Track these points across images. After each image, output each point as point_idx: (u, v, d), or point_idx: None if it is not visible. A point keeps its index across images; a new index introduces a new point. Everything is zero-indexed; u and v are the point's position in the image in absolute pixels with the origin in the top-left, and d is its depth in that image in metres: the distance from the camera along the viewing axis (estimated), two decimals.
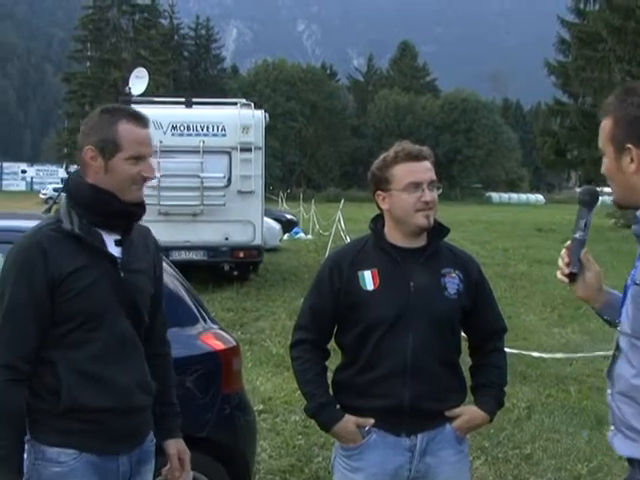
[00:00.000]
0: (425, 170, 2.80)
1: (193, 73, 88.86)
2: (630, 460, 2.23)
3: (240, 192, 13.42)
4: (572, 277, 2.40)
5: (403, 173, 2.78)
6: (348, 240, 19.47)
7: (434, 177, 2.82)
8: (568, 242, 2.42)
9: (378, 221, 2.94)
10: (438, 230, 2.88)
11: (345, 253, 2.95)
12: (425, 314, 2.78)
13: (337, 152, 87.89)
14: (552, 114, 42.91)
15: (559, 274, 2.43)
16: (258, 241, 13.78)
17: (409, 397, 2.77)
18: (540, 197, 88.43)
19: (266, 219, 16.60)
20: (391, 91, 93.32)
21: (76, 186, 2.55)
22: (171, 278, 3.81)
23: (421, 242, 2.86)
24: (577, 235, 2.41)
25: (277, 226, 21.37)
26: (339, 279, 2.85)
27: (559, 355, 8.56)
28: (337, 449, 2.93)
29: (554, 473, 5.41)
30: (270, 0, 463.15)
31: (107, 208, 2.51)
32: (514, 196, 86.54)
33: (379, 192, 2.86)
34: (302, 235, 27.06)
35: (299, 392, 8.00)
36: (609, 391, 2.30)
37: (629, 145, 2.16)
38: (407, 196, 2.77)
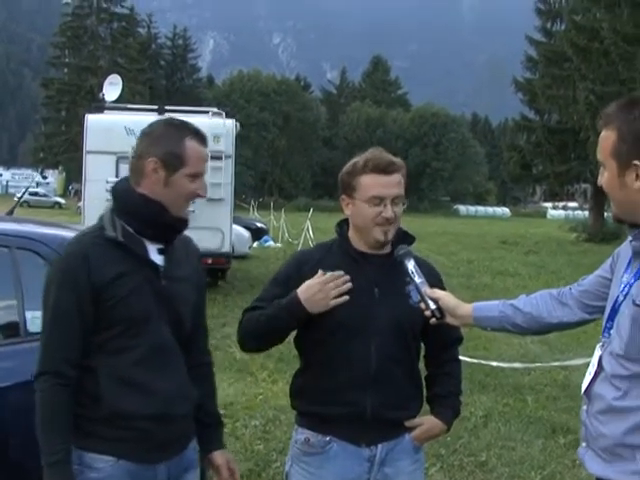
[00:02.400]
0: (392, 185, 2.74)
1: (169, 82, 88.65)
2: (599, 478, 2.25)
3: (209, 199, 13.46)
4: (438, 314, 2.65)
5: (368, 185, 2.72)
6: None
7: (400, 193, 2.76)
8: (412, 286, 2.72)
9: (344, 225, 2.90)
10: (403, 238, 2.84)
11: (309, 256, 2.90)
12: (389, 321, 2.74)
13: (309, 162, 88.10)
14: (519, 130, 43.62)
15: (432, 321, 2.66)
16: (226, 248, 13.88)
17: (372, 405, 2.73)
18: (506, 210, 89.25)
19: (236, 227, 16.64)
20: (363, 104, 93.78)
21: (124, 194, 2.52)
22: None
23: (386, 249, 2.82)
24: (419, 281, 2.69)
25: (247, 234, 21.41)
26: (298, 281, 2.76)
27: (517, 365, 8.71)
28: (294, 457, 2.87)
29: None
30: (247, 12, 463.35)
31: (155, 219, 2.48)
32: (481, 209, 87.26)
33: (344, 197, 2.83)
34: (272, 243, 27.12)
35: (260, 397, 8.01)
36: (584, 408, 2.32)
37: (636, 162, 2.12)
38: (368, 209, 2.72)
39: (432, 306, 2.64)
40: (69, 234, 3.79)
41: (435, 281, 2.84)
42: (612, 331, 2.24)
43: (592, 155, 33.81)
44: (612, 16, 31.19)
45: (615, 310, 2.24)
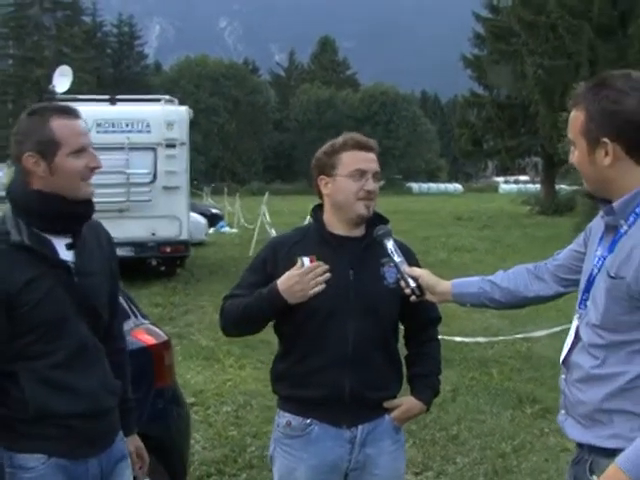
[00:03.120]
0: (372, 160, 2.84)
1: (116, 70, 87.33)
2: (579, 444, 2.34)
3: (165, 188, 13.45)
4: (417, 292, 2.71)
5: (350, 160, 2.81)
6: (273, 233, 19.59)
7: (378, 169, 2.86)
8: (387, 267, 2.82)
9: (318, 210, 2.96)
10: (377, 220, 2.89)
11: (285, 240, 2.95)
12: (364, 303, 2.79)
13: (260, 146, 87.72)
14: (468, 106, 43.91)
15: (412, 298, 2.73)
16: (185, 236, 13.85)
17: (350, 386, 2.78)
18: (458, 186, 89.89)
19: (192, 214, 16.58)
20: (312, 85, 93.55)
21: (21, 195, 2.47)
22: None
23: (360, 232, 2.89)
24: (398, 259, 2.75)
25: (203, 220, 21.30)
26: (274, 267, 2.83)
27: (481, 339, 8.85)
28: (277, 440, 2.92)
29: (480, 452, 5.63)
30: None
31: (56, 211, 2.43)
32: (433, 186, 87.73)
33: (322, 177, 2.87)
34: (227, 229, 27.04)
35: (229, 384, 8.03)
36: (563, 377, 2.39)
37: (605, 139, 2.18)
38: (351, 182, 2.80)
39: (412, 284, 2.70)
40: None
41: (412, 261, 2.90)
42: (588, 303, 2.30)
43: (542, 129, 34.34)
44: None
45: (590, 283, 2.30)
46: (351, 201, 2.81)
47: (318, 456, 2.82)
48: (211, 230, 24.13)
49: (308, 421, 2.84)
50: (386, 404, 2.90)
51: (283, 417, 2.90)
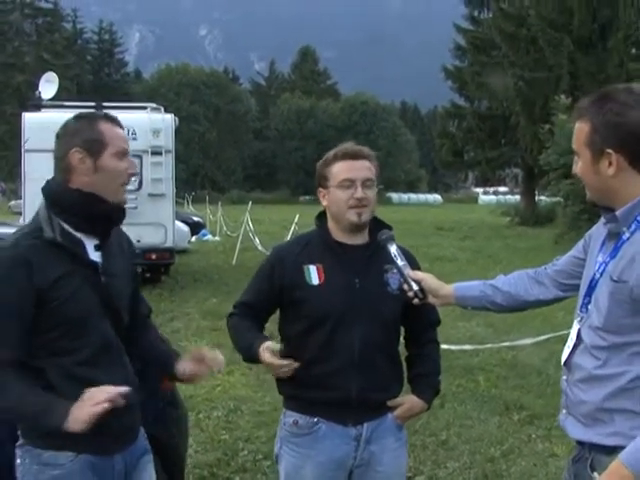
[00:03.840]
0: (361, 168, 2.90)
1: (96, 77, 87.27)
2: (580, 442, 2.43)
3: (151, 195, 13.45)
4: (420, 295, 2.76)
5: (339, 170, 2.89)
6: (257, 241, 19.68)
7: (369, 176, 2.90)
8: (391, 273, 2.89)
9: (322, 218, 3.03)
10: (381, 227, 2.95)
11: (290, 249, 3.02)
12: (370, 310, 2.87)
13: (240, 155, 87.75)
14: (449, 117, 44.16)
15: (415, 301, 2.78)
16: (170, 243, 13.87)
17: (356, 389, 2.86)
18: (438, 197, 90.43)
19: (175, 222, 16.59)
20: (293, 95, 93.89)
21: (59, 192, 2.51)
22: None
23: (364, 239, 2.96)
24: (402, 263, 2.80)
25: (186, 228, 21.27)
26: (281, 276, 2.92)
27: (467, 347, 8.94)
28: (283, 439, 3.00)
29: (469, 457, 5.70)
30: (172, 5, 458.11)
31: (92, 211, 2.49)
32: (413, 196, 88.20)
33: (320, 189, 2.97)
34: (210, 237, 27.01)
35: (219, 389, 8.06)
36: (564, 377, 2.47)
37: (609, 150, 2.26)
38: (341, 192, 2.88)
39: (415, 287, 2.76)
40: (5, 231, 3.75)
41: (414, 265, 2.96)
42: (590, 306, 2.39)
43: (522, 140, 34.67)
44: (538, 3, 31.84)
45: (592, 287, 2.39)
46: (343, 210, 2.89)
47: (325, 453, 2.90)
48: (193, 238, 24.11)
49: (315, 419, 2.91)
50: (389, 403, 2.99)
51: (290, 416, 2.98)
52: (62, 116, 10.79)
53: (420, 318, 3.09)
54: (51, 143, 10.57)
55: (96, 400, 2.30)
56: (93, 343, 2.49)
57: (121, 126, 2.60)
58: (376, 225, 2.98)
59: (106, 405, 2.30)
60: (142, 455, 2.72)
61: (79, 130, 2.51)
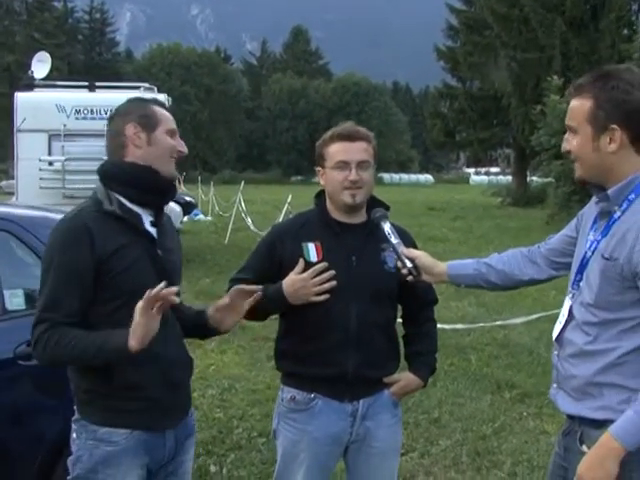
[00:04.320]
0: (356, 150, 2.92)
1: (88, 57, 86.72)
2: (570, 416, 2.49)
3: None
4: (414, 272, 2.79)
5: (335, 152, 2.93)
6: (249, 220, 19.71)
7: (365, 158, 2.93)
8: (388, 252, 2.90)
9: (321, 196, 3.07)
10: (378, 206, 2.99)
11: (289, 227, 3.08)
12: (366, 287, 2.91)
13: (232, 135, 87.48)
14: (441, 97, 44.19)
15: (409, 279, 2.80)
16: None
17: (352, 365, 2.91)
18: (429, 177, 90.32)
19: None
20: (284, 75, 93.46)
21: (115, 167, 2.62)
22: None
23: (361, 218, 3.00)
24: (395, 241, 2.83)
25: (178, 208, 21.21)
26: (280, 253, 2.96)
27: (459, 326, 9.02)
28: (280, 415, 3.04)
29: (461, 434, 5.77)
30: None
31: (146, 183, 2.59)
32: (404, 176, 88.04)
33: (319, 168, 3.02)
34: (202, 217, 26.98)
35: (212, 368, 8.12)
36: (555, 353, 2.53)
37: (614, 126, 2.30)
38: (336, 174, 2.92)
39: (409, 264, 2.79)
40: (43, 214, 3.86)
41: (409, 243, 3.00)
42: (581, 283, 2.44)
43: (514, 121, 34.68)
44: None
45: (583, 265, 2.45)
46: (338, 191, 2.93)
47: (321, 429, 2.95)
48: (185, 218, 24.08)
49: (312, 395, 2.96)
50: (386, 379, 3.04)
51: (287, 392, 3.02)
52: (55, 96, 10.92)
53: (417, 297, 3.13)
54: (43, 123, 10.75)
55: (148, 309, 2.33)
56: None
57: (169, 111, 2.73)
58: (374, 204, 3.01)
59: (157, 310, 2.34)
60: (189, 436, 2.78)
61: (134, 109, 2.65)
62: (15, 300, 3.52)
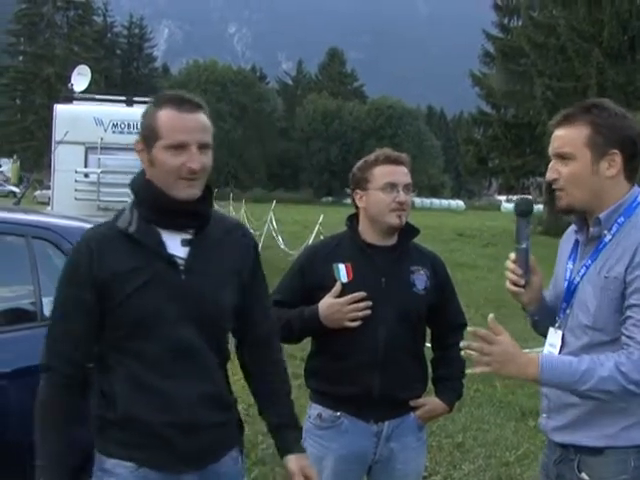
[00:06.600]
0: (402, 174, 3.03)
1: (125, 71, 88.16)
2: (563, 445, 2.47)
3: None
4: (524, 285, 2.54)
5: (382, 174, 3.00)
6: (280, 240, 19.81)
7: (409, 181, 3.05)
8: (512, 254, 2.53)
9: (353, 219, 3.13)
10: (408, 230, 3.09)
11: (321, 248, 3.17)
12: (395, 308, 2.96)
13: (265, 154, 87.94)
14: (475, 123, 44.06)
15: (510, 285, 2.54)
16: None
17: (379, 386, 2.96)
18: (461, 203, 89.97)
19: None
20: (319, 95, 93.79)
21: (137, 183, 2.35)
22: None
23: (392, 241, 3.06)
24: (524, 245, 2.51)
25: None
26: (312, 273, 3.04)
27: None
28: (307, 431, 3.04)
29: (485, 460, 5.78)
30: (202, 1, 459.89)
31: (158, 204, 2.27)
32: (436, 201, 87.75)
33: (357, 191, 3.07)
34: None
35: (240, 382, 8.22)
36: None
37: (614, 150, 2.37)
38: (383, 195, 2.98)
39: (527, 278, 2.54)
40: (80, 224, 3.96)
41: (441, 270, 3.18)
42: (569, 310, 2.46)
43: (548, 150, 34.48)
44: (568, 13, 31.74)
45: (571, 292, 2.46)
46: (384, 212, 2.99)
47: (346, 447, 3.00)
48: None
49: (338, 414, 3.02)
50: (412, 403, 3.08)
51: (315, 409, 3.09)
52: (93, 109, 11.14)
53: (446, 320, 3.18)
54: (80, 135, 10.94)
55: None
56: (162, 347, 2.25)
57: (191, 110, 2.26)
58: (405, 228, 3.08)
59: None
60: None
61: (143, 117, 2.32)
62: None
